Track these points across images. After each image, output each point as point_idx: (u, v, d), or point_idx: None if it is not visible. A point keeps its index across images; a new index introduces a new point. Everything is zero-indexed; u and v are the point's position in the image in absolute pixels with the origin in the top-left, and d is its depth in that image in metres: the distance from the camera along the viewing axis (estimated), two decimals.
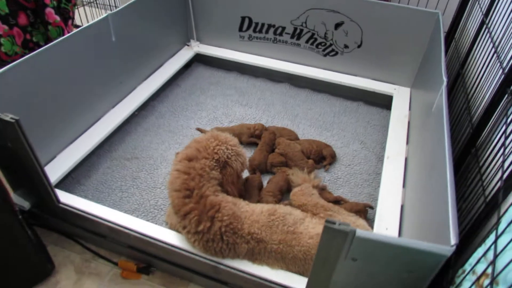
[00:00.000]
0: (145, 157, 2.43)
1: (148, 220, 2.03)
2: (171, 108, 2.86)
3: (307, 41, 3.05)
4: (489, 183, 1.49)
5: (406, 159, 2.27)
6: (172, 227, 1.90)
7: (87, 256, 1.99)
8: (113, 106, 2.61)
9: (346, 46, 2.96)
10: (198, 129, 2.61)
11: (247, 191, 2.11)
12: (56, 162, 2.19)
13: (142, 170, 2.34)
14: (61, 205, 1.89)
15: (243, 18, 3.13)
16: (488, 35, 2.03)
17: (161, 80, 2.93)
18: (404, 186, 2.10)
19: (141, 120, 2.73)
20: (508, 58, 1.68)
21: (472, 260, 1.08)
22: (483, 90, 1.89)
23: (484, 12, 2.17)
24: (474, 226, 1.34)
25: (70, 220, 1.95)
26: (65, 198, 1.94)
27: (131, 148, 2.49)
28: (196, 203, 1.66)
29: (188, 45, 3.38)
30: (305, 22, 2.96)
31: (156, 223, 2.01)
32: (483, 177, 1.53)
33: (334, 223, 1.09)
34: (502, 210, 1.08)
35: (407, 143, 2.40)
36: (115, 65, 2.55)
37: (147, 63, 2.92)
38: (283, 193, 2.15)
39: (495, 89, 1.65)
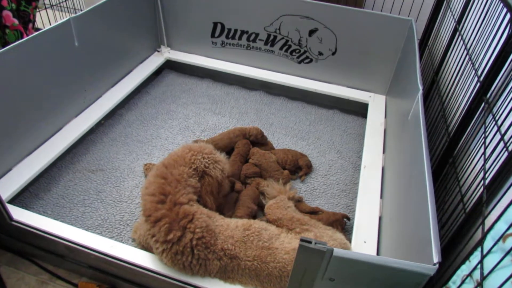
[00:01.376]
0: (111, 169, 2.34)
1: (112, 237, 1.93)
2: (139, 117, 2.78)
3: (281, 48, 3.02)
4: (469, 194, 1.46)
5: (383, 169, 2.25)
6: (139, 243, 1.82)
7: (43, 278, 1.86)
8: (77, 115, 2.51)
9: (320, 53, 2.94)
10: (195, 142, 2.53)
11: (239, 202, 2.06)
12: (11, 175, 2.06)
13: (108, 183, 2.24)
14: (14, 222, 1.75)
15: (215, 24, 3.08)
16: (461, 42, 2.03)
17: (129, 87, 2.84)
18: (381, 196, 2.07)
19: (107, 130, 2.64)
20: (482, 65, 1.66)
21: (456, 277, 1.03)
22: (459, 97, 1.88)
23: (456, 19, 2.18)
24: (455, 240, 1.30)
25: (24, 238, 1.81)
26: (19, 214, 1.81)
27: (95, 160, 2.39)
28: (168, 209, 1.60)
29: (158, 51, 3.30)
30: (279, 29, 2.93)
31: (121, 240, 1.92)
32: (462, 188, 1.50)
33: (309, 241, 1.02)
34: (486, 225, 1.03)
35: (384, 151, 2.38)
36: (79, 71, 2.45)
37: (114, 69, 2.82)
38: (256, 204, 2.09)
39: (471, 97, 1.63)
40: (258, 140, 2.53)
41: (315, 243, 1.02)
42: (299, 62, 3.04)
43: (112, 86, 2.83)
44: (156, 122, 2.75)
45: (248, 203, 2.02)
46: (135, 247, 1.82)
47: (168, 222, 1.59)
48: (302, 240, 1.03)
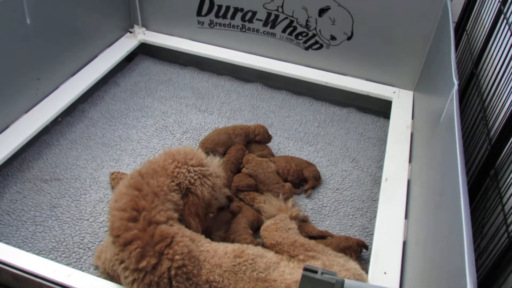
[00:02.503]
0: (69, 178, 2.35)
1: (70, 264, 1.94)
2: (106, 114, 2.79)
3: (284, 30, 3.04)
4: None
5: (408, 182, 2.27)
6: (103, 271, 1.82)
7: None
8: (27, 111, 2.51)
9: (333, 38, 2.97)
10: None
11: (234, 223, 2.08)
12: None
13: (65, 195, 2.25)
14: None
15: None
16: (507, 26, 2.06)
17: (93, 76, 2.85)
18: (406, 217, 2.09)
19: (65, 129, 2.64)
20: None
21: None
22: (503, 95, 1.91)
23: None
24: (495, 271, 1.32)
25: None
26: None
27: (50, 167, 2.40)
28: (142, 230, 1.61)
29: (130, 32, 3.32)
30: (282, 6, 2.96)
31: (81, 268, 1.93)
32: (505, 207, 1.53)
33: (315, 271, 1.04)
34: None
35: (410, 161, 2.40)
36: (30, 56, 2.45)
37: (74, 54, 2.83)
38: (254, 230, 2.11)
39: None
40: (265, 141, 2.57)
41: (322, 273, 1.04)
42: (306, 48, 3.06)
43: (72, 75, 2.83)
44: (127, 120, 2.76)
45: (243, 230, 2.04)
46: (98, 276, 1.83)
47: (141, 246, 1.59)
48: (306, 269, 1.05)
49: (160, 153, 1.93)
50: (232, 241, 1.97)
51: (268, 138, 2.59)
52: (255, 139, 2.56)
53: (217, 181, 1.91)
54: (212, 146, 2.42)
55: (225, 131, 2.51)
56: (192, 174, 1.82)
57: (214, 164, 1.95)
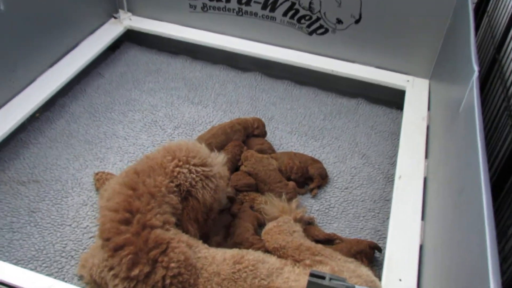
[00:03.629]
0: (49, 180, 2.35)
1: (51, 274, 1.94)
2: (89, 108, 2.79)
3: (285, 14, 3.04)
4: None
5: (425, 180, 2.27)
6: (89, 279, 1.82)
7: None
8: (1, 106, 2.52)
9: (339, 21, 2.97)
10: None
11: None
12: None
13: (44, 199, 2.26)
14: None
15: None
16: None
17: (74, 67, 2.85)
18: (423, 218, 2.09)
19: (44, 126, 2.65)
20: None
21: None
22: None
23: None
24: None
25: None
26: None
27: (28, 167, 2.40)
28: (135, 234, 1.61)
29: (115, 18, 3.31)
30: None
31: (63, 279, 1.93)
32: None
33: (322, 277, 1.04)
34: None
35: (426, 156, 2.41)
36: (4, 45, 2.45)
37: (53, 42, 2.83)
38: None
39: None
40: (263, 135, 2.59)
41: (330, 279, 1.04)
42: (310, 33, 3.07)
43: (51, 65, 2.83)
44: (112, 115, 2.76)
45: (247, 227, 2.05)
46: (83, 287, 1.84)
47: (133, 252, 1.59)
48: (312, 275, 1.05)
49: (159, 148, 1.93)
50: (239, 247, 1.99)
51: (265, 133, 2.62)
52: (254, 133, 2.56)
53: (220, 183, 1.92)
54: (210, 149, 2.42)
55: (222, 131, 2.50)
56: (194, 176, 1.82)
57: (218, 162, 1.95)
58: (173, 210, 1.75)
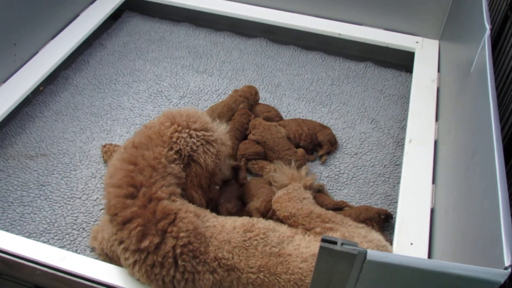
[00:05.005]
0: (57, 153, 2.37)
1: (64, 246, 1.98)
2: (93, 80, 2.79)
3: None
4: None
5: (435, 143, 2.27)
6: (100, 252, 1.85)
7: None
8: (4, 80, 2.52)
9: None
10: None
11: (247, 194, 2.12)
12: None
13: (53, 172, 2.28)
14: None
15: None
16: None
17: (76, 38, 2.84)
18: (434, 182, 2.10)
19: (48, 99, 2.65)
20: None
21: None
22: None
23: None
24: None
25: None
26: None
27: (35, 141, 2.42)
28: (142, 207, 1.63)
29: None
30: None
31: (75, 250, 1.97)
32: None
33: (334, 242, 1.05)
34: None
35: (437, 119, 2.40)
36: (4, 18, 2.44)
37: (53, 14, 2.81)
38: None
39: None
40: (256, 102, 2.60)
41: (342, 244, 1.05)
42: None
43: (52, 37, 2.82)
44: (117, 86, 2.76)
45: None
46: (95, 258, 1.87)
47: (142, 224, 1.61)
48: (324, 240, 1.06)
49: (159, 115, 1.92)
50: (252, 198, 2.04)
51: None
52: (255, 99, 2.58)
53: (222, 149, 1.92)
54: None
55: (227, 108, 2.48)
56: (195, 140, 1.82)
57: (220, 130, 1.95)
58: (177, 180, 1.76)
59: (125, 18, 3.29)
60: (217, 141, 1.90)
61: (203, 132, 1.85)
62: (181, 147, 1.79)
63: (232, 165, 2.18)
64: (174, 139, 1.79)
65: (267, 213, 2.01)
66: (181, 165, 1.79)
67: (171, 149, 1.77)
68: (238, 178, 2.19)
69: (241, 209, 2.09)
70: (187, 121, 1.84)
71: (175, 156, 1.77)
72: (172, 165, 1.76)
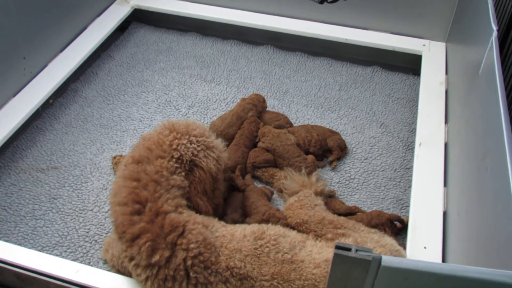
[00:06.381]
0: (68, 166, 2.38)
1: (77, 259, 1.98)
2: (102, 92, 2.80)
3: None
4: None
5: (446, 145, 2.26)
6: (113, 265, 1.85)
7: None
8: (15, 94, 2.53)
9: None
10: None
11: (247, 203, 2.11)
12: None
13: (64, 185, 2.28)
14: None
15: None
16: None
17: (84, 51, 2.86)
18: (445, 184, 2.09)
19: (58, 112, 2.66)
20: None
21: None
22: None
23: None
24: None
25: None
26: None
27: (45, 154, 2.43)
28: (149, 222, 1.63)
29: None
30: None
31: (89, 263, 1.96)
32: None
33: (348, 249, 1.05)
34: None
35: (446, 122, 2.39)
36: (13, 32, 2.46)
37: (61, 27, 2.83)
38: None
39: None
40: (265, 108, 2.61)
41: (356, 250, 1.05)
42: (321, 2, 3.03)
43: (61, 50, 2.84)
44: (125, 97, 2.77)
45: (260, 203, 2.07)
46: (109, 270, 1.86)
47: (151, 239, 1.61)
48: (338, 247, 1.06)
49: (156, 127, 1.93)
50: (250, 214, 2.02)
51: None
52: (264, 106, 2.58)
53: (222, 155, 1.92)
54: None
55: (236, 117, 2.48)
56: (195, 145, 1.83)
57: (218, 141, 1.96)
58: (182, 191, 1.76)
59: (132, 29, 3.31)
60: (217, 147, 1.91)
61: (203, 138, 1.87)
62: (182, 153, 1.79)
63: (229, 179, 2.17)
64: (174, 146, 1.79)
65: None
66: (184, 173, 1.79)
67: (172, 157, 1.77)
68: (238, 187, 2.19)
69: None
70: (187, 128, 1.85)
71: (176, 165, 1.77)
72: (174, 176, 1.75)
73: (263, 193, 2.15)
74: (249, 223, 2.00)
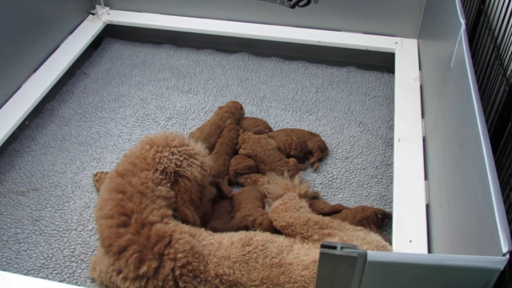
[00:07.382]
0: (48, 186, 2.36)
1: (63, 280, 1.96)
2: (78, 110, 2.79)
3: None
4: None
5: (424, 139, 2.29)
6: (101, 281, 1.84)
7: None
8: None
9: None
10: None
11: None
12: None
13: (46, 206, 2.26)
14: None
15: None
16: None
17: (58, 69, 2.84)
18: (426, 178, 2.11)
19: (35, 133, 2.64)
20: None
21: None
22: None
23: None
24: None
25: None
26: None
27: (25, 176, 2.41)
28: (135, 233, 1.63)
29: (93, 14, 3.29)
30: None
31: (76, 283, 1.95)
32: None
33: (333, 247, 1.06)
34: None
35: (423, 116, 2.42)
36: None
37: (33, 47, 2.82)
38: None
39: None
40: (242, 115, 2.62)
41: (342, 248, 1.06)
42: (292, 6, 3.05)
43: (34, 70, 2.82)
44: (103, 113, 2.76)
45: (254, 201, 2.07)
46: None
47: (138, 250, 1.61)
48: (323, 246, 1.07)
49: (136, 143, 1.95)
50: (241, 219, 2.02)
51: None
52: (241, 114, 2.60)
53: (205, 160, 1.93)
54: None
55: (215, 126, 2.48)
56: (177, 156, 1.84)
57: (198, 146, 1.97)
58: (167, 201, 1.77)
59: (106, 45, 3.30)
60: (199, 153, 1.92)
61: (183, 147, 1.88)
62: (165, 165, 1.81)
63: (216, 184, 2.18)
64: (157, 160, 1.81)
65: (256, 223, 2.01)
66: (169, 184, 1.80)
67: (156, 170, 1.79)
68: (223, 194, 2.19)
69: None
70: (166, 140, 1.87)
71: (161, 177, 1.79)
72: (160, 187, 1.76)
73: (259, 198, 2.15)
74: (238, 218, 2.02)
